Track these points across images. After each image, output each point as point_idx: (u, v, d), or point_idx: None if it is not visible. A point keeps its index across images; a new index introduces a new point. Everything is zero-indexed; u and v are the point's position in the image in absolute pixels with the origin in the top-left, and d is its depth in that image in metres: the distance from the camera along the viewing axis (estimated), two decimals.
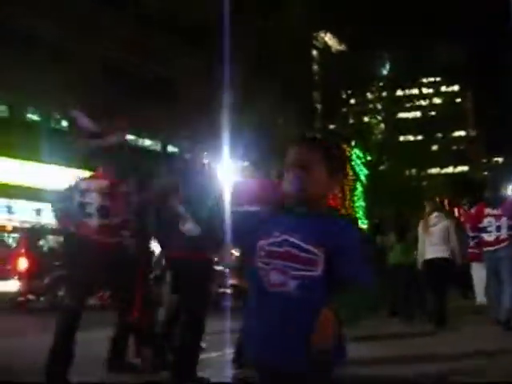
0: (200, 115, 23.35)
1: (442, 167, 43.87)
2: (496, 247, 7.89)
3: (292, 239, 1.95)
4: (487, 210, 8.16)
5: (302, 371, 1.89)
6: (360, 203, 31.92)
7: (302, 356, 1.84)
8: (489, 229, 8.01)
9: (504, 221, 7.93)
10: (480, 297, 9.66)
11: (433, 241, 8.45)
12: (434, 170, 41.45)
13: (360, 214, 31.21)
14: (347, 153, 28.78)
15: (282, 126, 26.24)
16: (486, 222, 8.07)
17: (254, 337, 2.00)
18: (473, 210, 8.83)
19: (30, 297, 12.88)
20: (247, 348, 2.12)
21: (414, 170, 35.07)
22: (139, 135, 25.44)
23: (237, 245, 2.37)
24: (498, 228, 7.93)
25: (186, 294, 4.76)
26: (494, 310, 7.94)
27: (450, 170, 52.16)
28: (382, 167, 32.09)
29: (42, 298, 12.93)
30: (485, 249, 8.08)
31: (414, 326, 8.47)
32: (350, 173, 29.86)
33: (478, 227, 8.17)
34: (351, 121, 31.47)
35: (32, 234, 14.61)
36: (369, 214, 29.34)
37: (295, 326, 1.88)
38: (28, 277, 12.48)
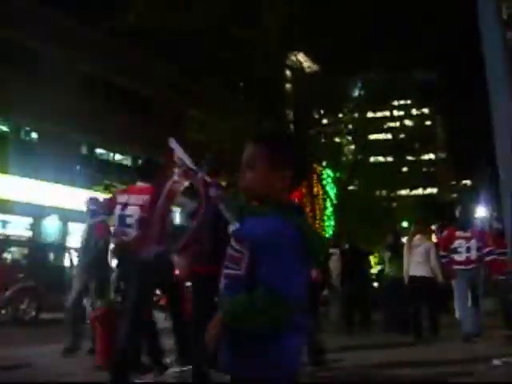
0: (174, 131, 23.30)
1: (411, 189, 44.29)
2: (467, 267, 8.83)
3: (231, 238, 1.97)
4: (458, 233, 9.12)
5: (231, 371, 1.89)
6: (330, 222, 32.02)
7: (227, 357, 1.85)
8: (459, 250, 8.95)
9: (473, 243, 8.92)
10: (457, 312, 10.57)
11: (415, 259, 9.41)
12: (404, 192, 41.84)
13: (330, 233, 31.28)
14: (318, 172, 28.91)
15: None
16: (456, 243, 9.01)
17: None
18: (445, 233, 9.68)
19: None
20: None
21: (384, 191, 35.36)
22: (111, 149, 25.27)
23: None
24: (468, 249, 8.88)
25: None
26: (463, 324, 8.91)
27: (419, 191, 52.70)
28: (351, 187, 32.29)
29: (3, 311, 12.67)
30: (456, 267, 8.97)
31: (404, 337, 9.48)
32: (321, 192, 29.96)
33: (450, 248, 9.06)
34: (323, 140, 31.62)
35: None
36: (337, 234, 29.42)
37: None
38: None
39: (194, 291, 4.88)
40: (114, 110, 23.96)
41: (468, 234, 9.07)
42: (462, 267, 8.87)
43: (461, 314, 9.20)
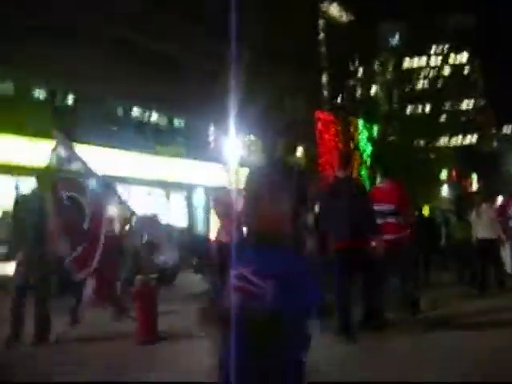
0: (208, 91, 23.23)
1: (450, 138, 43.51)
2: None
3: (245, 272, 1.89)
4: None
5: None
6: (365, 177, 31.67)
7: None
8: None
9: None
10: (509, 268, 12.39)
11: (483, 225, 10.56)
12: (443, 142, 41.09)
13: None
14: (354, 124, 28.54)
15: (290, 100, 26.06)
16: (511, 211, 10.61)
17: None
18: (502, 201, 11.36)
19: None
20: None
21: (421, 142, 34.77)
22: (146, 109, 25.41)
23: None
24: None
25: None
26: None
27: (458, 140, 51.69)
28: (389, 139, 31.84)
29: None
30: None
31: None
32: (355, 148, 29.55)
33: (505, 215, 10.62)
34: (358, 93, 31.17)
35: None
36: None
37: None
38: None
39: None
40: (149, 71, 23.90)
41: None
42: None
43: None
